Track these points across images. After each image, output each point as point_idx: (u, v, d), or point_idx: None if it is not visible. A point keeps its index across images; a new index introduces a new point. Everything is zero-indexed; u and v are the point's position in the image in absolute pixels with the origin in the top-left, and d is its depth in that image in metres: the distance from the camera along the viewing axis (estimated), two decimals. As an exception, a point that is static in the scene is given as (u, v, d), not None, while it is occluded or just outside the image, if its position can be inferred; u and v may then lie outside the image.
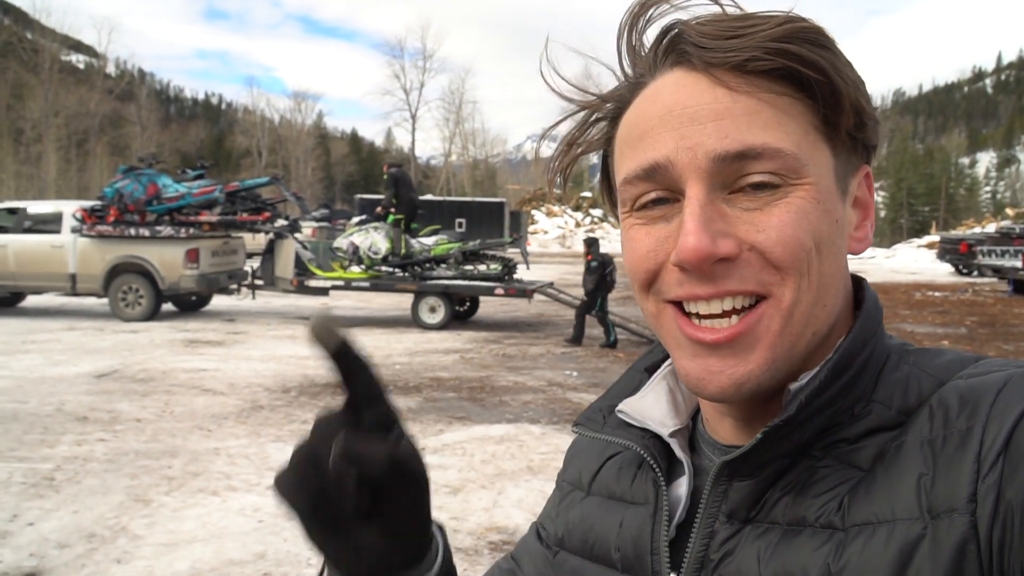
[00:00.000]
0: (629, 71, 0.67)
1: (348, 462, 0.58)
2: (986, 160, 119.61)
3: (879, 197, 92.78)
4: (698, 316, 0.61)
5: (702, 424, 0.73)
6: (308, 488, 0.60)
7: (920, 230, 65.65)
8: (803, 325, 0.60)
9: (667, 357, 0.78)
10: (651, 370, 0.79)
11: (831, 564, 0.56)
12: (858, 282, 0.69)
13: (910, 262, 36.31)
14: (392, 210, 13.75)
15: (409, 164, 69.90)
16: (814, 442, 0.61)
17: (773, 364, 0.60)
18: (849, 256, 0.65)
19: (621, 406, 0.76)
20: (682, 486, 0.69)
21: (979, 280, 24.89)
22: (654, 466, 0.70)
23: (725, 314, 0.60)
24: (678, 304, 0.62)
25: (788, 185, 0.58)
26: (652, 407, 0.74)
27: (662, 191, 0.61)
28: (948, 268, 29.72)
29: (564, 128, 0.73)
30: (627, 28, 0.66)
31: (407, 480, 0.62)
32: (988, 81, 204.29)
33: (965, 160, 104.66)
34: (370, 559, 0.63)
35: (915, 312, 16.06)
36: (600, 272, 11.23)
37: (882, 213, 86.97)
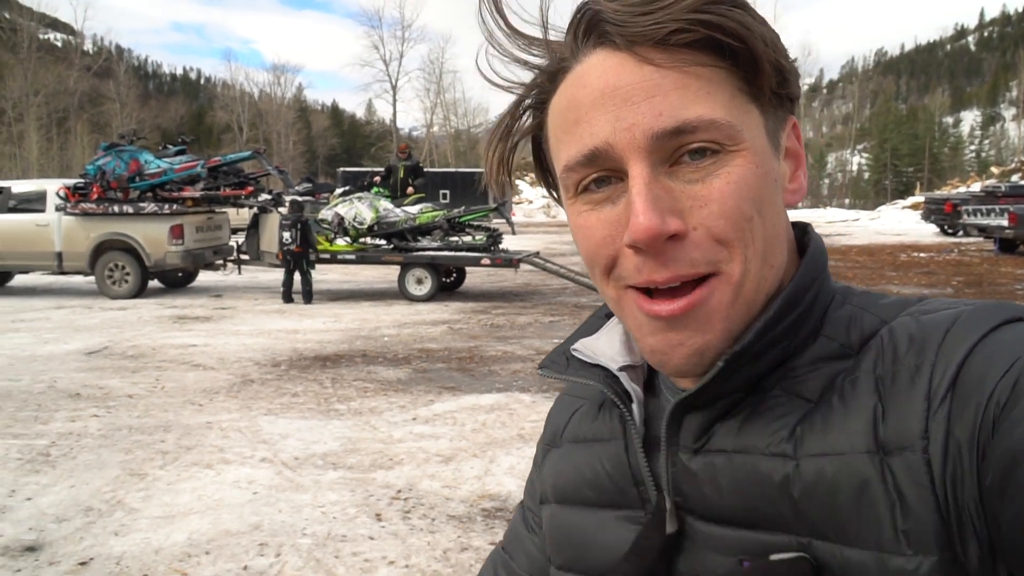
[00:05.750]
0: (542, 58, 0.67)
1: None
2: (970, 119, 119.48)
3: (863, 159, 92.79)
4: (656, 292, 0.63)
5: None
6: None
7: (904, 191, 65.74)
8: (754, 292, 0.62)
9: None
10: (611, 315, 0.81)
11: (774, 477, 0.60)
12: (802, 228, 0.71)
13: (895, 223, 36.45)
14: (378, 182, 14.13)
15: (391, 136, 69.38)
16: (765, 376, 0.64)
17: (730, 333, 0.62)
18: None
19: (576, 345, 0.78)
20: (634, 414, 0.72)
21: (964, 240, 24.96)
22: (616, 401, 0.72)
23: (682, 288, 0.61)
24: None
25: (726, 152, 0.60)
26: (605, 346, 0.77)
27: (603, 172, 0.62)
28: (933, 228, 29.79)
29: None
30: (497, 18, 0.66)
31: None
32: (971, 39, 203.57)
33: (949, 119, 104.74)
34: None
35: (901, 273, 16.17)
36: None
37: (866, 175, 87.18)
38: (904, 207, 41.59)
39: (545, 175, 0.74)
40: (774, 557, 0.60)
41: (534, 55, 0.67)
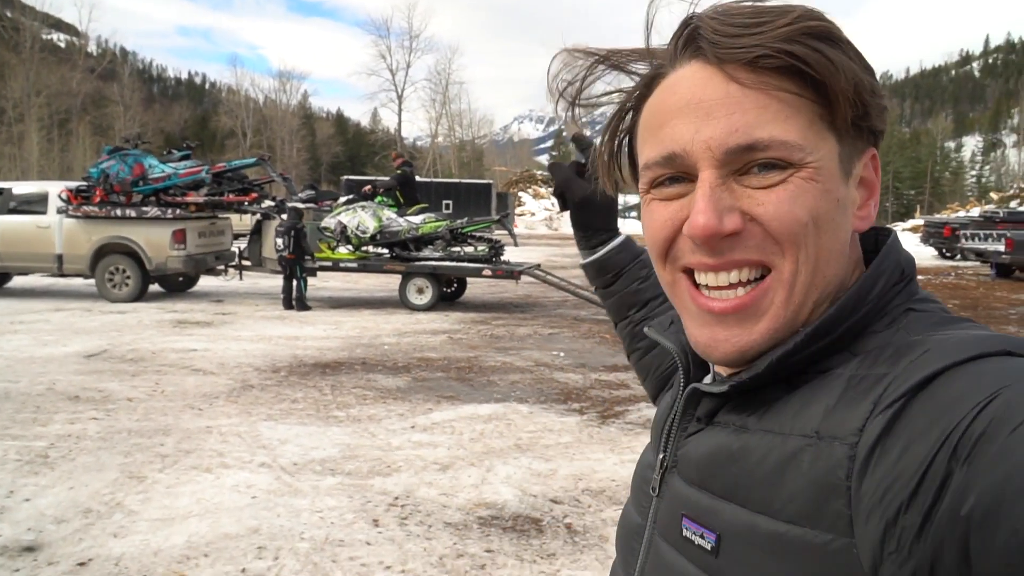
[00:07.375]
0: (644, 65, 0.75)
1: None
2: (972, 144, 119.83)
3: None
4: (707, 288, 0.69)
5: None
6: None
7: (905, 214, 65.79)
8: (804, 295, 0.66)
9: None
10: None
11: (732, 447, 0.67)
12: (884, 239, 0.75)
13: (894, 245, 36.44)
14: (383, 195, 14.06)
15: (396, 145, 69.56)
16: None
17: (775, 334, 0.67)
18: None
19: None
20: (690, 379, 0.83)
21: (962, 264, 25.09)
22: (679, 364, 0.83)
23: (731, 286, 0.67)
24: (690, 273, 0.70)
25: (792, 167, 0.64)
26: None
27: (678, 172, 0.69)
28: (932, 252, 29.69)
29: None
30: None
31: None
32: (975, 65, 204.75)
33: (951, 144, 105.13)
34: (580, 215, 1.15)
35: (898, 294, 16.17)
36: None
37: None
38: (904, 229, 41.53)
39: (633, 169, 0.80)
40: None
41: (637, 67, 0.76)
